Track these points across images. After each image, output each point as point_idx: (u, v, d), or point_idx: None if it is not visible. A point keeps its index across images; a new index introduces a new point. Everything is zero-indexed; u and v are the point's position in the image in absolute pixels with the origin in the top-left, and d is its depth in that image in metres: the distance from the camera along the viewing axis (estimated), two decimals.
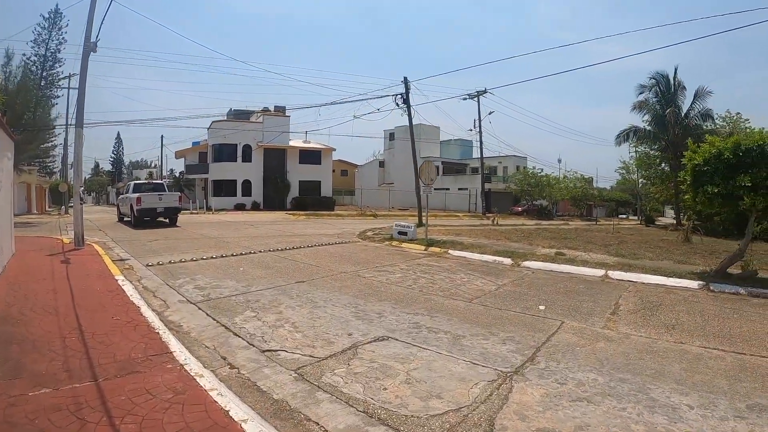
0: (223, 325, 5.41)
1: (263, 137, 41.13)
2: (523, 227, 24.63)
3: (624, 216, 59.38)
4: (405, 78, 19.61)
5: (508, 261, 11.08)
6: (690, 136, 31.37)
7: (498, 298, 7.14)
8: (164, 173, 53.83)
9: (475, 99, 37.85)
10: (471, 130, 42.35)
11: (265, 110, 42.40)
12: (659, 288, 8.64)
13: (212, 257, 10.63)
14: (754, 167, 8.65)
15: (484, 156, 45.97)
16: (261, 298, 6.72)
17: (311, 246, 13.26)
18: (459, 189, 53.44)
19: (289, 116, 42.99)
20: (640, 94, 33.71)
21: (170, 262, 9.85)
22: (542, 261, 11.00)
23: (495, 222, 26.85)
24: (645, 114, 33.46)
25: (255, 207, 39.95)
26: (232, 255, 11.05)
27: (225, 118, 42.43)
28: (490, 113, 40.56)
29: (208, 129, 41.83)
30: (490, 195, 48.34)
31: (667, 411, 3.43)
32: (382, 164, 64.25)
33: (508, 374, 4.02)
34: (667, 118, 31.05)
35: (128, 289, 6.91)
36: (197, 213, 33.95)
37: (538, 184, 44.34)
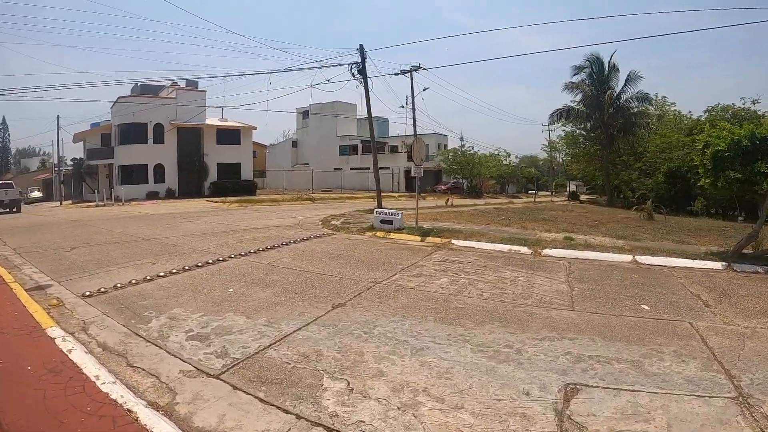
0: (321, 424, 3.05)
1: (177, 115, 35.58)
2: (480, 208, 23.75)
3: (534, 192, 61.50)
4: (360, 46, 17.16)
5: (525, 250, 10.02)
6: (621, 117, 32.77)
7: (589, 300, 6.23)
8: (60, 160, 44.86)
9: (408, 75, 35.57)
10: (403, 106, 40.36)
11: (175, 84, 36.63)
12: (696, 272, 8.52)
13: (173, 272, 7.55)
14: None
15: (405, 134, 44.45)
16: (321, 348, 4.28)
17: (286, 244, 10.58)
18: (380, 168, 51.78)
19: (204, 91, 37.59)
20: (575, 75, 34.31)
21: (116, 286, 6.61)
22: (561, 248, 10.16)
23: (450, 203, 25.33)
24: (578, 94, 33.84)
25: (170, 195, 34.68)
26: (197, 266, 8.05)
27: (130, 94, 36.23)
28: (424, 89, 38.81)
29: (112, 107, 35.19)
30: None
31: None
32: (295, 144, 60.42)
33: (738, 399, 3.49)
34: (606, 100, 31.64)
35: (82, 359, 4.02)
36: (105, 205, 27.99)
37: (469, 163, 43.61)
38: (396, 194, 39.97)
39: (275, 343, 4.35)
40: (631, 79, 32.67)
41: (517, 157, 58.31)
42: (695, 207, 23.67)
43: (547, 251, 9.86)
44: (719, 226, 17.17)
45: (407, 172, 48.52)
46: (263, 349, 4.21)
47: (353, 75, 17.21)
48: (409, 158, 49.17)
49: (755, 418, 3.17)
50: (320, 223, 15.14)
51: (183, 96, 35.39)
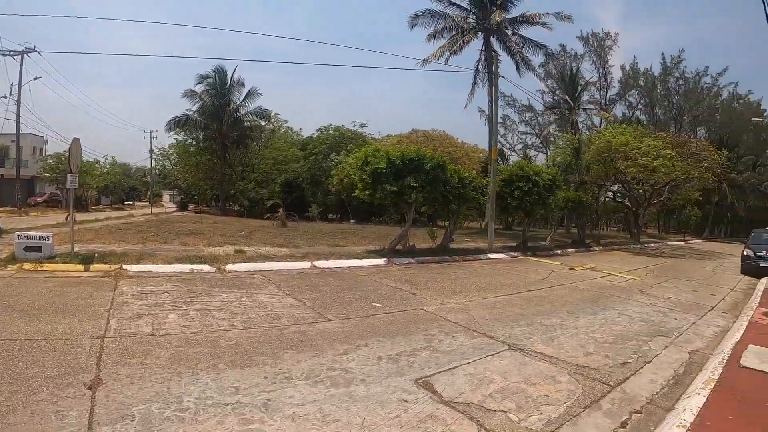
0: None
1: None
2: (105, 223, 20.49)
3: (130, 202, 58.08)
4: None
5: (209, 268, 9.53)
6: (238, 129, 34.48)
7: (330, 308, 6.69)
8: None
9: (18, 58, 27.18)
10: (6, 97, 30.09)
11: None
12: (370, 269, 10.40)
13: None
14: (414, 172, 12.12)
15: None
16: None
17: None
18: None
19: None
20: (198, 83, 34.19)
21: None
22: (242, 262, 10.15)
23: (69, 219, 20.59)
24: (197, 103, 33.74)
25: None
26: None
27: None
28: (35, 78, 30.32)
29: None
30: (3, 182, 36.75)
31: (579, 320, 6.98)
32: None
33: (513, 348, 4.88)
34: (228, 111, 32.62)
35: None
36: None
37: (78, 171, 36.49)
38: None
39: None
40: (251, 94, 35.05)
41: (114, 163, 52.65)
42: (311, 213, 27.29)
43: (230, 267, 9.64)
44: (344, 229, 20.54)
45: None
46: None
47: None
48: None
49: (532, 355, 4.85)
50: None
51: None
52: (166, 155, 50.69)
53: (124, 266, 9.03)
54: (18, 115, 30.98)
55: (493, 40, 27.65)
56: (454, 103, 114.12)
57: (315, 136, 37.63)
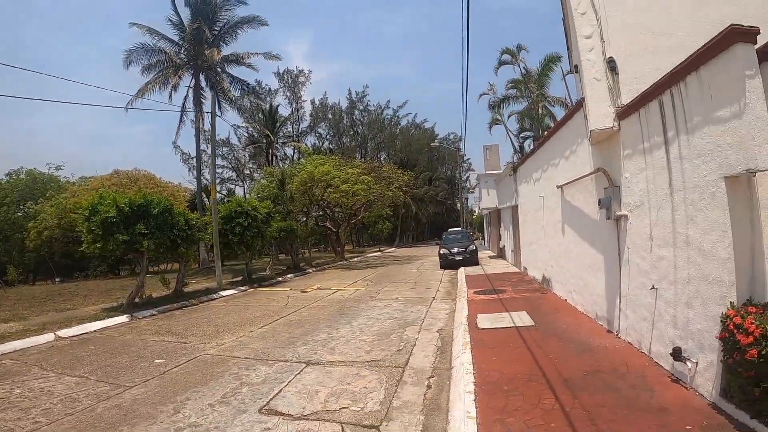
0: None
1: None
2: None
3: None
4: None
5: None
6: None
7: (120, 376, 6.28)
8: None
9: None
10: None
11: None
12: (121, 327, 9.98)
13: None
14: (143, 218, 11.88)
15: None
16: None
17: None
18: None
19: None
20: None
21: None
22: None
23: None
24: None
25: None
26: None
27: None
28: None
29: None
30: None
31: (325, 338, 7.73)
32: None
33: (308, 364, 6.03)
34: None
35: None
36: None
37: None
38: None
39: None
40: None
41: None
42: (10, 276, 22.83)
43: None
44: (57, 290, 18.01)
45: None
46: None
47: None
48: None
49: (329, 365, 5.94)
50: None
51: None
52: None
53: None
54: None
55: (202, 77, 27.99)
56: (155, 139, 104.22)
57: (4, 181, 30.68)
